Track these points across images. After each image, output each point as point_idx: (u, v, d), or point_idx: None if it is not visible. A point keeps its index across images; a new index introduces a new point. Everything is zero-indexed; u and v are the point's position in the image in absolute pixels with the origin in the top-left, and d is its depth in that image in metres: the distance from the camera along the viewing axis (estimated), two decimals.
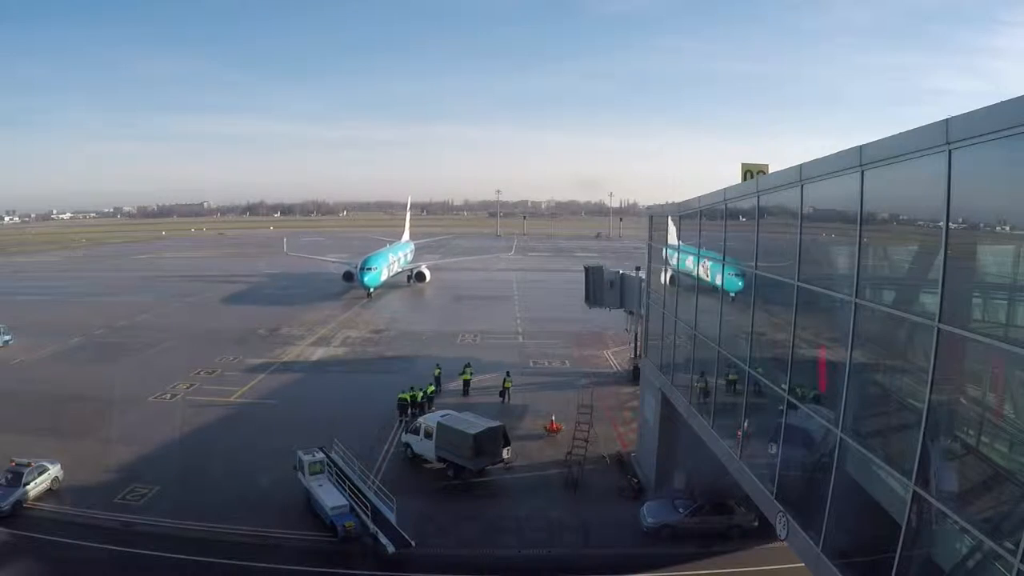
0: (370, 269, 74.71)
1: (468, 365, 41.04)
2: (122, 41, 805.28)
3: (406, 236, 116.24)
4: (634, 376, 40.39)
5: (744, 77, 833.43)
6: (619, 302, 43.63)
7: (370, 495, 24.20)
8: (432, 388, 37.45)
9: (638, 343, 41.74)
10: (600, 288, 43.52)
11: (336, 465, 26.35)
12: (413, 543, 21.89)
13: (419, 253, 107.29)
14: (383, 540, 21.88)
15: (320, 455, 26.43)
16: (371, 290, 73.47)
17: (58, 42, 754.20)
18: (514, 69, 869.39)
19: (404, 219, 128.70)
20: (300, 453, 26.17)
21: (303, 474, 25.64)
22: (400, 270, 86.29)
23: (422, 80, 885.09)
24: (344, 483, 24.98)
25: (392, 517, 22.79)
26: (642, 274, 39.67)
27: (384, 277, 77.32)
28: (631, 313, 42.83)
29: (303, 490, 25.49)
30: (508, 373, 39.74)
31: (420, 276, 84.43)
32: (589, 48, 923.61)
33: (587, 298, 45.15)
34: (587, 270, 44.94)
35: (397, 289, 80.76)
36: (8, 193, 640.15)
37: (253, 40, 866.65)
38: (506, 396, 37.96)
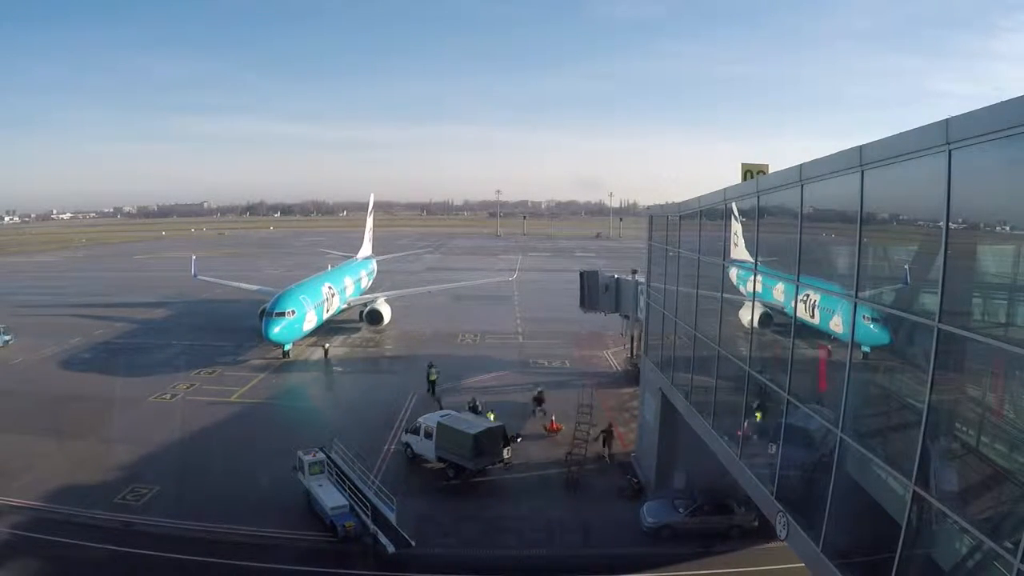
0: (281, 315, 46.21)
1: (432, 365, 40.81)
2: (122, 43, 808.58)
3: (365, 250, 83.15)
4: (632, 378, 40.47)
5: (745, 80, 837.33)
6: (614, 306, 44.05)
7: (370, 495, 24.20)
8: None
9: (634, 345, 41.95)
10: (596, 292, 43.85)
11: (336, 465, 26.34)
12: (413, 543, 21.88)
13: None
14: (383, 540, 21.87)
15: (320, 455, 26.42)
16: (286, 348, 47.39)
17: (58, 43, 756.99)
18: (515, 70, 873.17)
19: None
20: (300, 453, 26.15)
21: (303, 474, 25.63)
22: (348, 305, 58.59)
23: (423, 81, 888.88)
24: (344, 483, 24.98)
25: (392, 517, 22.79)
26: (639, 277, 40.22)
27: (310, 323, 49.47)
28: (626, 317, 43.15)
29: (303, 490, 25.49)
30: (431, 364, 40.05)
31: (374, 316, 55.15)
32: (590, 50, 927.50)
33: (582, 303, 45.42)
34: (582, 275, 45.27)
35: (341, 334, 55.01)
36: (8, 193, 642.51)
37: (254, 42, 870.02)
38: (433, 390, 38.61)
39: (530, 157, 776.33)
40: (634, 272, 42.33)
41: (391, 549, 21.53)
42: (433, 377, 39.57)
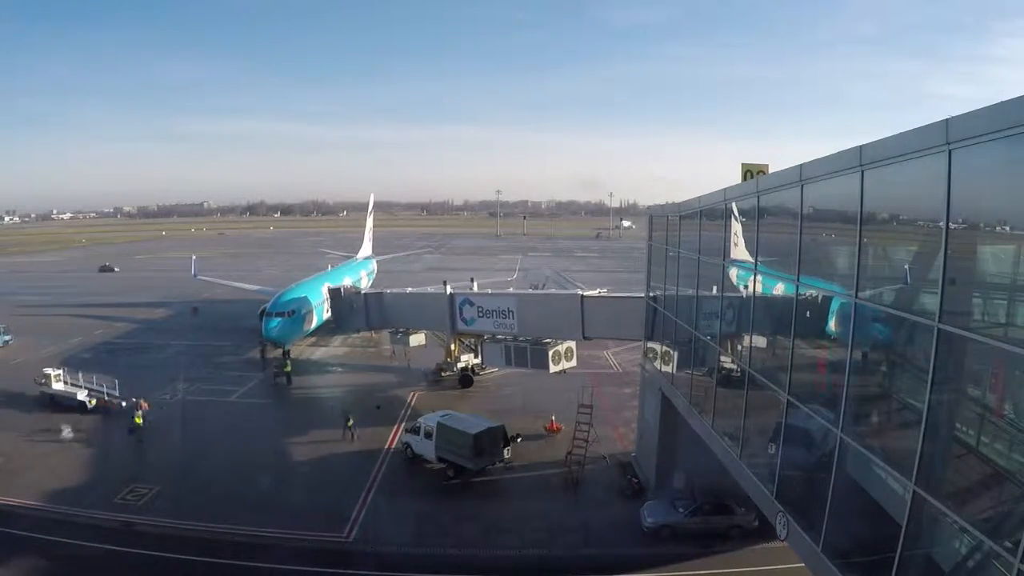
0: (281, 315, 45.92)
1: (286, 355, 43.08)
2: (123, 43, 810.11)
3: (366, 250, 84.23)
4: (461, 382, 41.46)
5: (745, 82, 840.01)
6: (365, 322, 44.92)
7: None
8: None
9: (448, 354, 42.44)
10: (344, 310, 44.71)
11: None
12: None
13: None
14: None
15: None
16: (286, 346, 46.41)
17: (59, 44, 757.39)
18: (515, 71, 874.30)
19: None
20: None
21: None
22: None
23: (423, 81, 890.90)
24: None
25: None
26: (450, 289, 40.94)
27: (310, 323, 48.94)
28: (399, 333, 43.97)
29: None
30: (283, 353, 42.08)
31: None
32: (591, 53, 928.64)
33: (336, 322, 46.31)
34: (330, 291, 46.22)
35: (341, 334, 52.85)
36: (8, 193, 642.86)
37: (254, 43, 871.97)
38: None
39: (530, 157, 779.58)
40: (444, 283, 42.40)
41: None
42: (287, 368, 41.13)
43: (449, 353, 42.50)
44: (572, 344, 36.95)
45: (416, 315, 43.58)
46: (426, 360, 44.16)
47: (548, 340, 36.85)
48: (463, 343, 42.71)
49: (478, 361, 42.16)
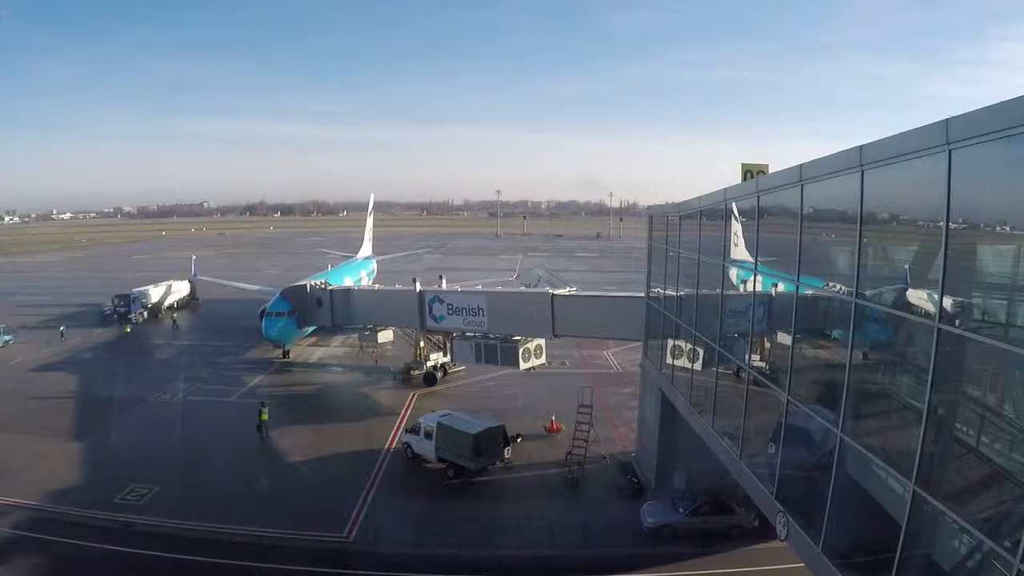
0: (281, 315, 45.32)
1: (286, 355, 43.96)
2: (123, 44, 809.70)
3: (366, 250, 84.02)
4: (425, 380, 41.10)
5: (746, 83, 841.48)
6: (330, 319, 44.89)
7: None
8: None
9: (418, 352, 42.31)
10: (309, 308, 44.54)
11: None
12: None
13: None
14: None
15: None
16: (286, 347, 47.41)
17: (59, 44, 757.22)
18: (516, 72, 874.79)
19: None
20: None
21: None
22: None
23: (424, 82, 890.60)
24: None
25: None
26: (419, 286, 41.05)
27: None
28: (368, 330, 43.90)
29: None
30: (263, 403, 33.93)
31: None
32: (592, 54, 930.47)
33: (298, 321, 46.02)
34: (287, 291, 46.28)
35: (340, 334, 52.02)
36: (8, 193, 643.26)
37: (256, 43, 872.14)
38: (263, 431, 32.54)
39: (530, 157, 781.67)
40: (415, 280, 42.78)
41: None
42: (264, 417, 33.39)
43: (418, 351, 42.47)
44: (542, 342, 37.32)
45: (385, 312, 43.49)
46: (394, 358, 44.17)
47: (518, 337, 37.08)
48: (431, 341, 42.66)
49: (447, 359, 42.11)
